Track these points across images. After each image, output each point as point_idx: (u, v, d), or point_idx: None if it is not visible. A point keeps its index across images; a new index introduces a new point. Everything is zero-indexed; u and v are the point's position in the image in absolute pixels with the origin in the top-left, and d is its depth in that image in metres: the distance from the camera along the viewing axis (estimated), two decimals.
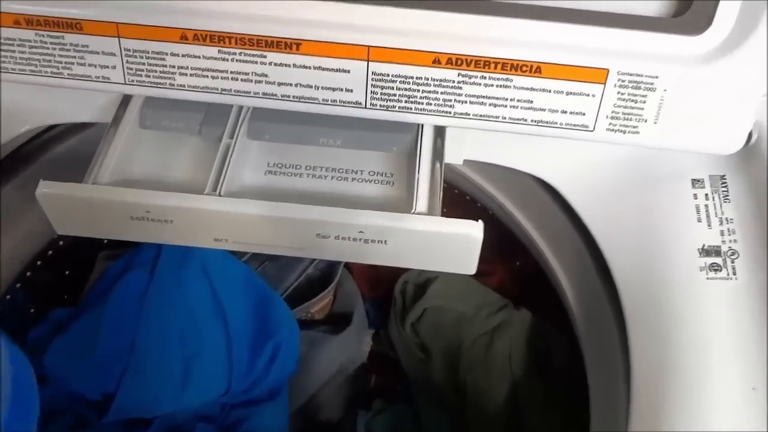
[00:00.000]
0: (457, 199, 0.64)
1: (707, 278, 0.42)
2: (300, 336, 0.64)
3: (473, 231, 0.42)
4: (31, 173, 0.57)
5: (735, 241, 0.43)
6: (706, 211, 0.44)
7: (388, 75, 0.43)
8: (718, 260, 0.42)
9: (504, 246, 0.64)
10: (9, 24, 0.44)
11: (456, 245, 0.43)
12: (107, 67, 0.44)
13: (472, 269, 0.45)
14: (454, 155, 0.50)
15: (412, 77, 0.43)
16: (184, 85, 0.44)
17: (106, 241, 0.71)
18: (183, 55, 0.43)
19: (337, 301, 0.70)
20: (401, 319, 0.69)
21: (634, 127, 0.43)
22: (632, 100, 0.42)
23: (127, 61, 0.44)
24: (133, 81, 0.45)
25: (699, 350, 0.41)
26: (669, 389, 0.41)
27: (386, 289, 0.73)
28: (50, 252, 0.64)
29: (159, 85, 0.45)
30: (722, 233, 0.43)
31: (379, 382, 0.73)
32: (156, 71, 0.44)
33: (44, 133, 0.58)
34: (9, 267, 0.59)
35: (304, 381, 0.66)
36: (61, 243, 0.64)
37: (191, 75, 0.44)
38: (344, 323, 0.68)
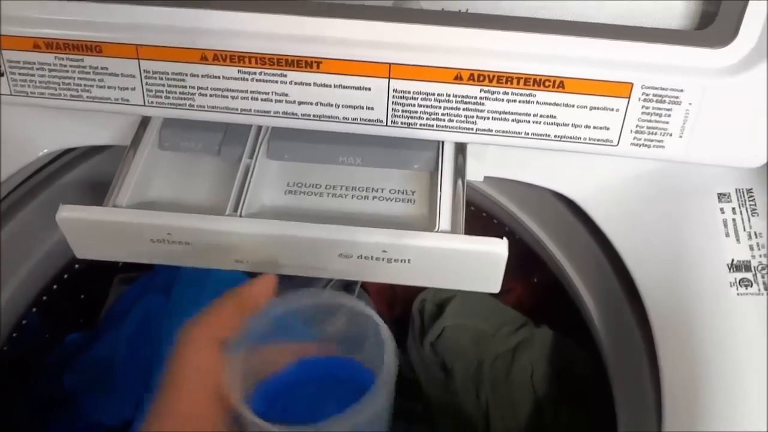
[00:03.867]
0: (473, 215, 0.64)
1: (738, 294, 0.41)
2: None
3: (498, 248, 0.42)
4: (47, 197, 0.57)
5: (765, 255, 0.42)
6: (734, 225, 0.44)
7: (409, 92, 0.42)
8: (749, 275, 0.42)
9: (521, 262, 0.64)
10: (28, 48, 0.44)
11: (481, 263, 0.42)
12: (127, 89, 0.44)
13: (496, 287, 0.44)
14: (474, 172, 0.49)
15: (433, 94, 0.42)
16: (203, 106, 0.44)
17: (121, 264, 0.71)
18: (203, 76, 0.43)
19: None
20: (420, 338, 0.68)
21: (659, 141, 0.42)
22: (657, 114, 0.42)
23: (147, 83, 0.44)
24: (152, 102, 0.45)
25: (732, 367, 0.40)
26: (701, 407, 0.40)
27: (404, 308, 0.72)
28: (66, 276, 0.64)
29: (179, 107, 0.44)
30: (751, 248, 0.43)
31: (398, 403, 0.72)
32: (176, 92, 0.44)
33: (59, 157, 0.57)
34: (26, 291, 0.59)
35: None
36: (76, 266, 0.64)
37: (211, 95, 0.44)
38: None
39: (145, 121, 0.49)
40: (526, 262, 0.63)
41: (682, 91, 0.41)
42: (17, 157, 0.52)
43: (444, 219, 0.43)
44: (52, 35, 0.43)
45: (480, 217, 0.64)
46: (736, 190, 0.45)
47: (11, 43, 0.44)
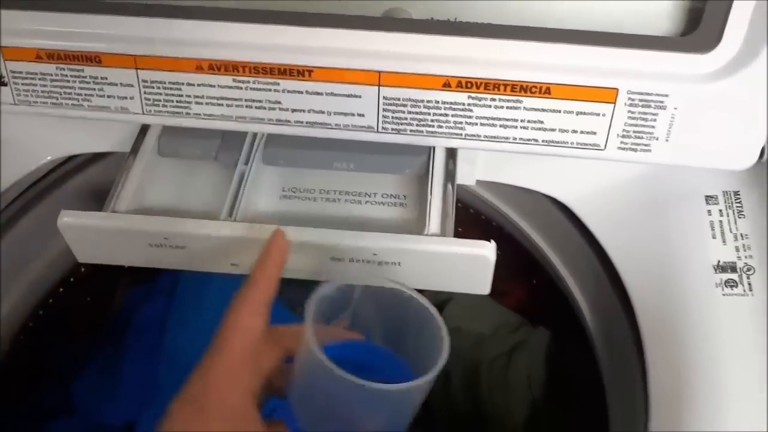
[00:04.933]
0: (473, 219, 0.65)
1: (723, 294, 0.42)
2: None
3: (486, 251, 0.42)
4: (52, 203, 0.58)
5: (751, 257, 0.43)
6: (721, 227, 0.44)
7: (399, 99, 0.43)
8: (734, 276, 0.42)
9: (520, 264, 0.64)
10: (31, 58, 0.45)
11: (469, 266, 0.43)
12: (126, 98, 0.46)
13: (486, 289, 0.45)
14: (466, 176, 0.50)
15: (422, 101, 0.43)
16: (200, 114, 0.45)
17: (126, 267, 0.72)
18: (198, 85, 0.44)
19: None
20: None
21: (646, 145, 0.43)
22: (643, 119, 0.42)
23: (145, 92, 0.45)
24: (150, 111, 0.46)
25: (717, 367, 0.41)
26: (687, 406, 0.41)
27: None
28: (72, 279, 0.65)
29: (176, 115, 0.46)
30: (737, 249, 0.43)
31: None
32: (173, 101, 0.45)
33: (65, 163, 0.59)
34: (33, 295, 0.60)
35: None
36: (82, 270, 0.66)
37: (207, 104, 0.45)
38: None
39: (144, 129, 0.50)
40: (525, 264, 0.63)
41: (667, 96, 0.42)
42: (22, 164, 0.53)
43: (434, 222, 0.44)
44: (54, 46, 0.44)
45: (479, 220, 0.65)
46: (723, 192, 0.46)
47: (14, 54, 0.45)
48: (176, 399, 0.34)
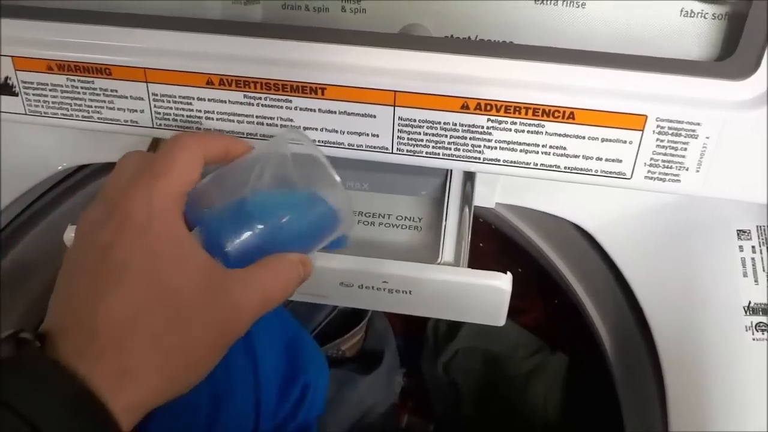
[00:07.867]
0: (494, 234, 0.63)
1: (753, 339, 0.40)
2: (330, 375, 0.63)
3: (501, 283, 0.41)
4: (63, 212, 0.58)
5: None
6: (753, 264, 0.42)
7: (414, 120, 0.42)
8: (766, 320, 0.40)
9: (541, 283, 0.62)
10: (42, 69, 0.44)
11: (483, 297, 0.41)
12: (136, 111, 0.44)
13: (500, 321, 0.43)
14: (485, 199, 0.48)
15: (439, 122, 0.41)
16: (210, 130, 0.44)
17: None
18: (209, 100, 0.43)
19: (369, 338, 0.69)
20: (433, 358, 0.67)
21: (675, 175, 0.41)
22: (672, 148, 0.40)
23: (155, 106, 0.44)
24: (160, 125, 0.45)
25: (742, 416, 0.38)
26: None
27: (419, 324, 0.72)
28: None
29: (186, 129, 0.44)
30: None
31: (411, 421, 0.71)
32: (183, 115, 0.44)
33: (76, 172, 0.58)
34: (40, 305, 0.60)
35: (333, 421, 0.65)
36: None
37: (218, 119, 0.44)
38: (375, 361, 0.66)
39: (156, 141, 0.49)
40: (546, 283, 0.61)
41: (699, 124, 0.39)
42: (34, 173, 0.53)
43: (447, 250, 0.43)
44: (64, 57, 0.43)
45: (499, 235, 0.63)
46: (757, 227, 0.43)
47: (26, 65, 0.44)
48: (101, 219, 0.32)
